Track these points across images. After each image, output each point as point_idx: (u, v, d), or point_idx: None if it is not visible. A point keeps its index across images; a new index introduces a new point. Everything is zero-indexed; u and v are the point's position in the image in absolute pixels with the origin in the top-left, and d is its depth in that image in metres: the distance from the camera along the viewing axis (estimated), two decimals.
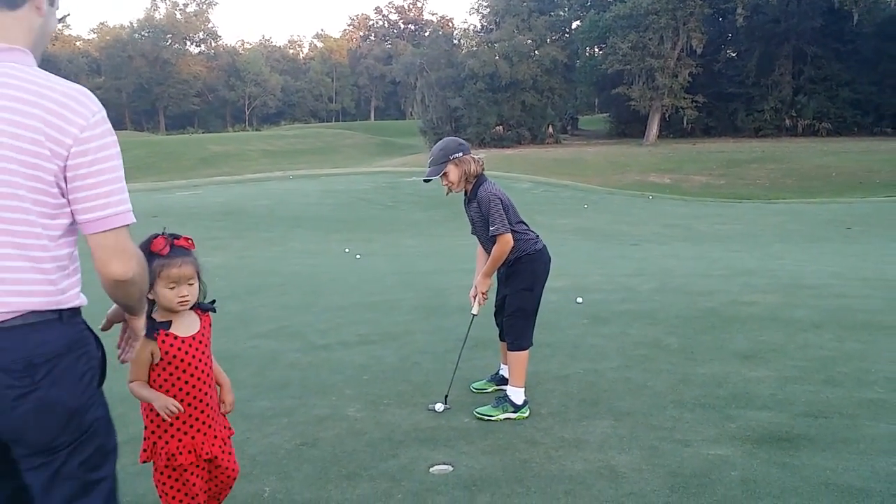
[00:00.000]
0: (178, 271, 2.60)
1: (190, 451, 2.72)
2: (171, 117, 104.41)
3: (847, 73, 56.55)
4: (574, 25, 71.84)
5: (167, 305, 2.64)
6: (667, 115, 60.20)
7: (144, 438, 2.74)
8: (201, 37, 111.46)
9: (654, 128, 60.15)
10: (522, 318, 4.47)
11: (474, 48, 67.03)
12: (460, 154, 4.37)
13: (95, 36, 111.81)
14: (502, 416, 4.32)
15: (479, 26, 73.91)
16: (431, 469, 3.68)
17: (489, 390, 4.82)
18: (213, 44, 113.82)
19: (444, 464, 3.73)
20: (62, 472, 1.91)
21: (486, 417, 4.32)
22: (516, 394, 4.38)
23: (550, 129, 65.82)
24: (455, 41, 73.07)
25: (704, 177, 42.06)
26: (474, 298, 4.61)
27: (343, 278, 10.51)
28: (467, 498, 3.37)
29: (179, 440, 2.71)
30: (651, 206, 26.23)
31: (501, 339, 4.74)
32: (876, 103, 55.96)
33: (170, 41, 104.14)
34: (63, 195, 1.80)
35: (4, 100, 1.73)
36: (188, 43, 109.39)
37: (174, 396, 2.66)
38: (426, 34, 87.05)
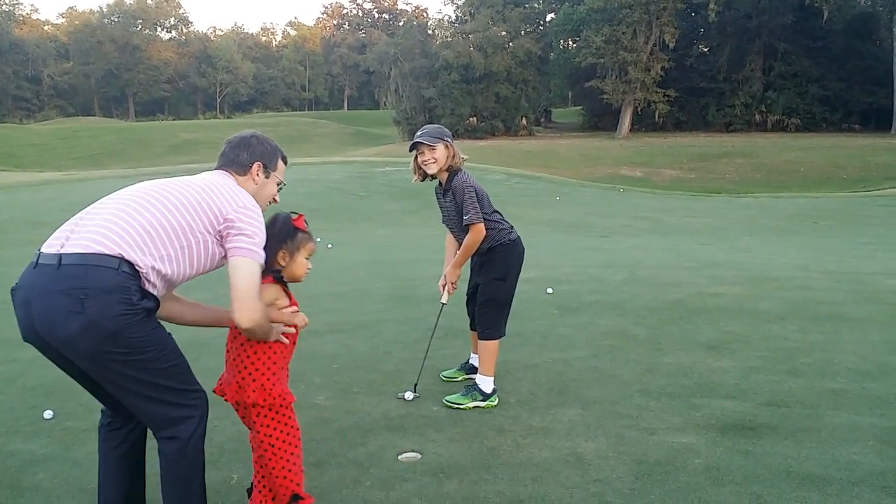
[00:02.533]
0: (314, 247, 3.09)
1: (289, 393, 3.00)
2: (141, 104, 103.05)
3: (816, 69, 57.25)
4: (548, 18, 71.95)
5: (298, 274, 3.06)
6: (639, 109, 60.53)
7: (254, 380, 2.93)
8: (172, 23, 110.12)
9: (626, 121, 60.48)
10: (494, 307, 4.48)
11: (449, 39, 66.92)
12: (451, 140, 4.38)
13: (64, 20, 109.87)
14: (471, 405, 4.34)
15: (453, 17, 73.93)
16: (400, 457, 3.69)
17: (459, 379, 4.85)
18: (185, 30, 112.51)
19: (413, 451, 3.74)
20: (117, 380, 2.56)
21: (456, 406, 4.34)
22: (485, 382, 4.41)
23: (524, 121, 65.92)
24: (429, 31, 72.86)
25: (675, 170, 42.43)
26: (444, 288, 4.62)
27: (314, 267, 10.45)
28: (435, 485, 3.39)
29: (283, 381, 3.01)
30: (622, 198, 26.43)
31: (472, 329, 4.77)
32: (844, 100, 56.78)
33: (140, 27, 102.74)
34: (210, 237, 2.71)
35: (208, 185, 2.82)
36: (159, 29, 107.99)
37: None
38: (400, 24, 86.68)
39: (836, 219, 19.97)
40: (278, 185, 3.12)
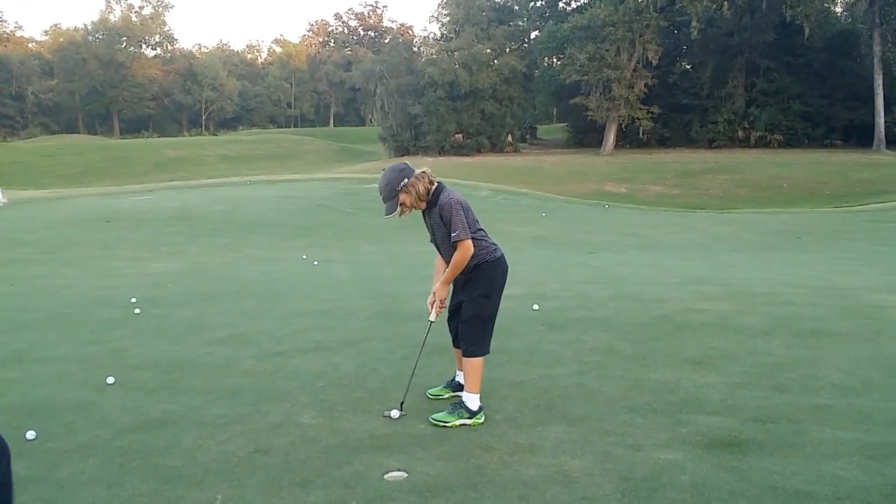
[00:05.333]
0: None
1: None
2: (126, 121, 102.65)
3: (798, 86, 57.80)
4: (533, 35, 72.42)
5: None
6: (623, 126, 60.89)
7: None
8: (157, 40, 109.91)
9: (610, 138, 60.84)
10: (478, 324, 4.48)
11: (434, 56, 67.11)
12: (405, 181, 4.37)
13: (48, 38, 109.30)
14: (457, 423, 4.33)
15: (438, 34, 74.04)
16: (386, 476, 3.67)
17: (445, 396, 4.83)
18: (170, 47, 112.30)
19: (399, 470, 3.72)
20: None
21: (442, 424, 4.33)
22: (471, 400, 4.40)
23: (509, 138, 66.17)
24: (415, 49, 73.06)
25: (659, 187, 42.64)
26: (432, 305, 4.62)
27: (300, 285, 10.43)
28: None
29: None
30: (607, 214, 26.53)
31: (455, 346, 4.76)
32: (826, 116, 57.34)
33: (125, 44, 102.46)
34: None
35: None
36: (143, 46, 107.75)
37: None
38: (386, 41, 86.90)
39: (820, 234, 20.09)
40: None
